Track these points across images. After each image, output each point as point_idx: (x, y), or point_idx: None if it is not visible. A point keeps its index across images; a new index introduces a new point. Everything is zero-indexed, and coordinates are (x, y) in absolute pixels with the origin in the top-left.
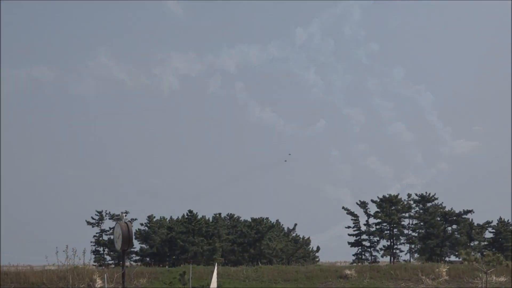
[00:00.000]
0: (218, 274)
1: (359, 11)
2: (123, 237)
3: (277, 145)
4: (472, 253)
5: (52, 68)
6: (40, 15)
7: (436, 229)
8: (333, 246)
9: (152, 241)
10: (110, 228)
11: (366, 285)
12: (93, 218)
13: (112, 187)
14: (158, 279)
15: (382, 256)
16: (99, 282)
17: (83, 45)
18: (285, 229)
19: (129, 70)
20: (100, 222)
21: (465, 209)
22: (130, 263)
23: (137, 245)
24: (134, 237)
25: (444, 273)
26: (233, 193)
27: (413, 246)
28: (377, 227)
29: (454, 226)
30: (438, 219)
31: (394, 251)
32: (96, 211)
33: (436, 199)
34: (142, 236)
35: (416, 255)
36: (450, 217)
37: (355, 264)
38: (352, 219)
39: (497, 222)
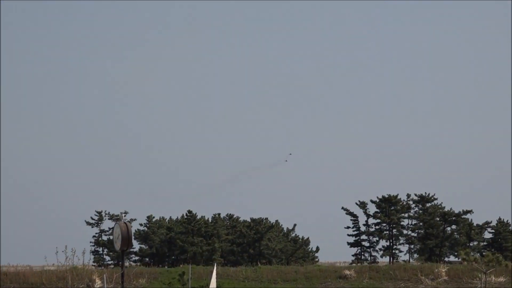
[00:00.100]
0: (217, 274)
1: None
2: (123, 237)
3: (278, 144)
4: (472, 254)
5: (51, 68)
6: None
7: (436, 230)
8: (333, 247)
9: (152, 242)
10: (110, 229)
11: (366, 285)
12: (92, 219)
13: (111, 188)
14: (158, 279)
15: (381, 257)
16: (98, 283)
17: (83, 45)
18: (285, 229)
19: (128, 69)
20: (100, 222)
21: (465, 209)
22: (130, 264)
23: (136, 245)
24: (133, 237)
25: (444, 274)
26: (233, 193)
27: (412, 246)
28: (377, 227)
29: (454, 227)
30: (438, 219)
31: (394, 251)
32: (95, 211)
33: (436, 199)
34: (142, 237)
35: (415, 256)
36: (450, 217)
37: (354, 264)
38: (351, 219)
39: (496, 222)
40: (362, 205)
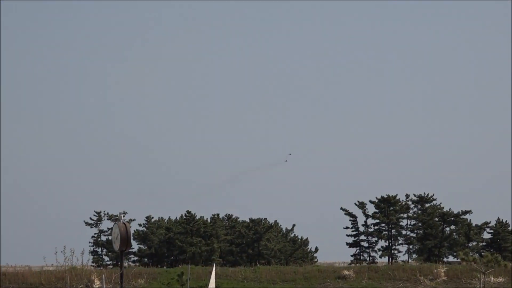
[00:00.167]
0: (216, 274)
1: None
2: (121, 237)
3: (277, 144)
4: (470, 254)
5: (50, 68)
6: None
7: (434, 230)
8: (332, 247)
9: (150, 242)
10: (109, 229)
11: (364, 285)
12: (91, 219)
13: (110, 188)
14: (156, 279)
15: (380, 257)
16: (97, 283)
17: (83, 45)
18: (284, 229)
19: (128, 69)
20: (99, 222)
21: (463, 210)
22: (128, 264)
23: (135, 245)
24: (132, 237)
25: (442, 274)
26: (232, 193)
27: (411, 246)
28: (375, 227)
29: (452, 227)
30: (436, 219)
31: (392, 251)
32: (94, 211)
33: (435, 199)
34: (140, 237)
35: (414, 256)
36: (448, 217)
37: (353, 264)
38: (350, 220)
39: (495, 222)
40: (361, 205)
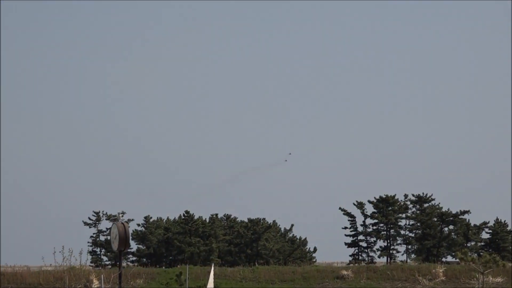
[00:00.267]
0: (214, 274)
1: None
2: (120, 237)
3: (277, 145)
4: (469, 254)
5: (50, 68)
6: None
7: (433, 230)
8: (330, 247)
9: (149, 242)
10: (107, 229)
11: (363, 285)
12: (90, 219)
13: (109, 188)
14: (155, 279)
15: (379, 257)
16: (96, 283)
17: (83, 45)
18: (282, 229)
19: (127, 69)
20: (97, 222)
21: (462, 210)
22: (127, 264)
23: (133, 245)
24: (131, 237)
25: (441, 274)
26: (232, 193)
27: (410, 246)
28: (374, 227)
29: (451, 227)
30: (435, 219)
31: (391, 251)
32: (93, 211)
33: (433, 199)
34: (139, 237)
35: (413, 256)
36: (447, 217)
37: (352, 264)
38: (349, 220)
39: (494, 222)
40: (360, 205)
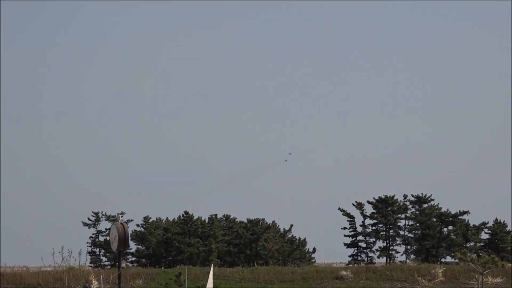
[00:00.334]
0: (214, 275)
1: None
2: (119, 238)
3: (277, 145)
4: (468, 254)
5: (50, 68)
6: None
7: (432, 230)
8: (329, 247)
9: (148, 242)
10: (106, 229)
11: (362, 286)
12: (89, 219)
13: (108, 188)
14: (154, 280)
15: (378, 257)
16: (95, 283)
17: (83, 45)
18: (281, 230)
19: (127, 69)
20: (96, 223)
21: (461, 210)
22: (126, 264)
23: (133, 246)
24: (130, 238)
25: (440, 274)
26: (230, 194)
27: (409, 247)
28: (373, 228)
29: (450, 227)
30: (434, 220)
31: (390, 252)
32: (92, 212)
33: (432, 200)
34: (138, 237)
35: (412, 256)
36: (446, 218)
37: (351, 265)
38: (348, 220)
39: (493, 223)
40: (359, 205)
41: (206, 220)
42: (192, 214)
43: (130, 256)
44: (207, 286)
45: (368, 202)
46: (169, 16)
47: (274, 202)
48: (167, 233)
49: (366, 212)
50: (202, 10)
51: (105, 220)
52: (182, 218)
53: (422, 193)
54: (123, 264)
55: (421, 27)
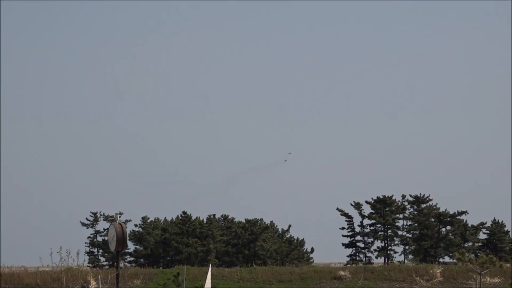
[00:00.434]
0: (212, 275)
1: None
2: (117, 238)
3: (276, 145)
4: (466, 254)
5: (50, 68)
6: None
7: (430, 230)
8: (328, 247)
9: (146, 242)
10: (105, 229)
11: (360, 286)
12: (87, 219)
13: (107, 188)
14: (152, 280)
15: (376, 257)
16: (93, 283)
17: (84, 45)
18: (280, 230)
19: (127, 69)
20: (95, 223)
21: (460, 210)
22: (124, 264)
23: (131, 246)
24: (128, 238)
25: (438, 274)
26: (230, 194)
27: (407, 247)
28: (371, 228)
29: (448, 227)
30: (432, 220)
31: (388, 252)
32: (90, 212)
33: (431, 200)
34: (136, 237)
35: (410, 256)
36: (445, 218)
37: (349, 265)
38: (346, 220)
39: (491, 223)
40: (357, 206)
41: (204, 220)
42: (190, 214)
43: (128, 256)
44: (205, 286)
45: (367, 202)
46: (169, 16)
47: (273, 202)
48: (165, 233)
49: (364, 212)
50: (202, 10)
51: (103, 220)
52: (180, 218)
53: (420, 193)
54: (121, 264)
55: (421, 27)
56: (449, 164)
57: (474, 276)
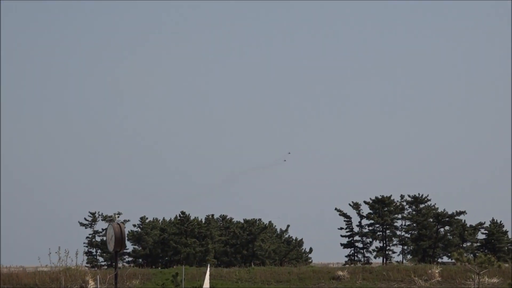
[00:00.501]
0: (210, 275)
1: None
2: (116, 238)
3: (276, 145)
4: (465, 254)
5: (50, 68)
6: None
7: (429, 230)
8: (326, 248)
9: (145, 243)
10: (103, 230)
11: (359, 286)
12: (86, 219)
13: (105, 188)
14: (151, 280)
15: (374, 257)
16: (91, 284)
17: (84, 45)
18: (278, 230)
19: (127, 69)
20: (93, 223)
21: (458, 210)
22: (123, 264)
23: (129, 246)
24: (126, 238)
25: (437, 274)
26: (230, 194)
27: (405, 247)
28: (370, 228)
29: (447, 227)
30: (431, 220)
31: (387, 252)
32: (89, 212)
33: (429, 200)
34: (135, 238)
35: (408, 256)
36: (443, 218)
37: (347, 265)
38: (344, 220)
39: (489, 223)
40: (356, 206)
41: (203, 220)
42: (189, 214)
43: (126, 256)
44: (203, 286)
45: (365, 202)
46: (169, 16)
47: (272, 202)
48: (163, 233)
49: (362, 212)
50: (202, 10)
51: (102, 220)
52: (179, 218)
53: (418, 193)
54: (120, 264)
55: (421, 27)
56: (448, 164)
57: (473, 276)
